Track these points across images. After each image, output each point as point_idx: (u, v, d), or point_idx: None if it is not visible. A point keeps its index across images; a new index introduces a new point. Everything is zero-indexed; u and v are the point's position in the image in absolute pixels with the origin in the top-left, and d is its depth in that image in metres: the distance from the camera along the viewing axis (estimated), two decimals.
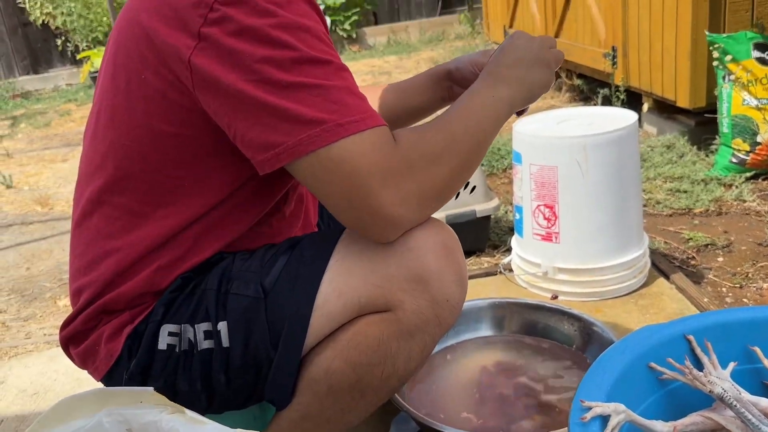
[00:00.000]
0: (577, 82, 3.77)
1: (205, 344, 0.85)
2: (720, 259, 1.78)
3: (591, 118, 1.60)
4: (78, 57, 6.99)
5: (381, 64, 6.18)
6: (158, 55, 0.76)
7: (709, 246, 1.85)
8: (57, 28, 7.18)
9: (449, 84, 1.12)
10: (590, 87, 3.64)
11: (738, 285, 1.64)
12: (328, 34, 0.81)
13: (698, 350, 0.94)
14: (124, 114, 0.81)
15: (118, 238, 0.84)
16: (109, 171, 0.84)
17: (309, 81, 0.73)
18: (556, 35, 3.83)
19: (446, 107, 1.16)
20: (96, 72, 5.95)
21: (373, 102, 1.17)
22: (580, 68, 3.62)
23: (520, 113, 1.01)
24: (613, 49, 3.06)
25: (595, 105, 3.47)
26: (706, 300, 1.51)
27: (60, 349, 0.97)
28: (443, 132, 0.81)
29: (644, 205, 2.16)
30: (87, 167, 0.88)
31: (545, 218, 1.56)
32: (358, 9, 7.18)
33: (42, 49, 7.59)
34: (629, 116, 1.54)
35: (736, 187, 2.19)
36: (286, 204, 0.95)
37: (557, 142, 1.49)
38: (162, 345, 0.85)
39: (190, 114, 0.78)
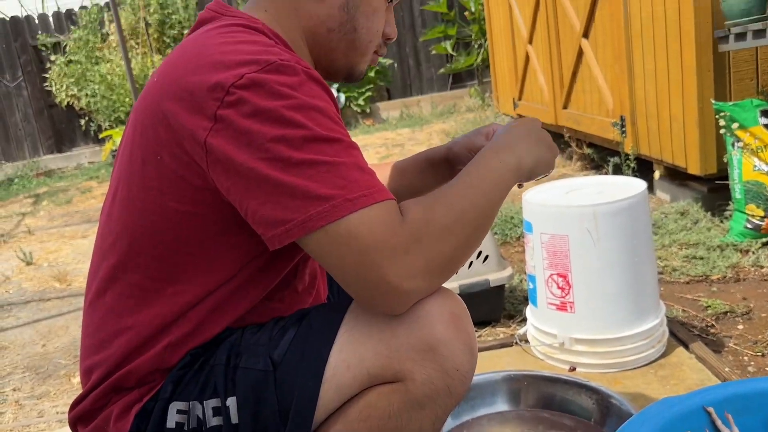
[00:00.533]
0: (588, 150, 3.81)
1: (214, 421, 0.84)
2: (740, 327, 1.75)
3: (600, 187, 1.61)
4: (100, 136, 7.22)
5: (394, 137, 6.31)
6: (175, 136, 0.79)
7: (729, 313, 1.81)
8: (81, 109, 7.46)
9: (448, 166, 1.15)
10: (600, 155, 3.68)
11: (760, 353, 1.60)
12: (339, 113, 0.84)
13: (719, 423, 0.92)
14: (139, 193, 0.84)
15: (130, 317, 0.85)
16: (122, 249, 0.86)
17: (319, 158, 0.75)
18: (565, 106, 3.91)
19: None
20: (117, 151, 6.11)
21: (380, 179, 1.20)
22: (589, 137, 3.67)
23: (520, 185, 1.02)
24: (622, 118, 3.11)
25: (606, 173, 3.49)
26: (727, 369, 1.47)
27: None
28: (450, 204, 0.82)
29: (660, 273, 2.14)
30: (101, 245, 0.90)
31: (559, 287, 1.55)
32: (371, 85, 7.39)
33: (66, 129, 7.86)
34: (638, 185, 1.55)
35: (753, 252, 2.17)
36: (298, 279, 0.96)
37: (567, 211, 1.50)
38: (171, 423, 0.84)
39: (202, 193, 0.80)
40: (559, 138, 4.38)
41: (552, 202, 1.55)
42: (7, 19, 7.64)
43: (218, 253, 0.84)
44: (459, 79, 7.80)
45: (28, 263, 3.72)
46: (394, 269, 0.75)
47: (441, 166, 1.15)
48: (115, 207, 0.88)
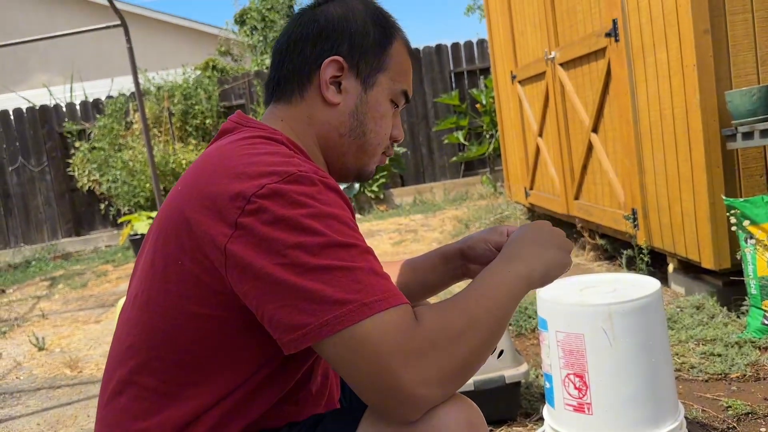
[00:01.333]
0: (600, 241, 3.83)
1: None
2: (762, 429, 1.70)
3: (614, 285, 1.62)
4: (119, 221, 7.34)
5: (407, 223, 6.38)
6: (197, 243, 0.82)
7: (750, 414, 1.77)
8: (101, 193, 7.64)
9: (462, 262, 1.17)
10: (613, 246, 3.69)
11: None
12: (354, 218, 0.87)
13: None
14: (158, 297, 0.86)
15: (145, 420, 0.86)
16: (140, 352, 0.87)
17: (335, 263, 0.78)
18: (576, 197, 3.96)
19: (459, 282, 1.21)
20: (135, 235, 6.20)
21: (391, 278, 1.22)
22: (602, 228, 3.69)
23: None
24: (633, 211, 3.14)
25: (619, 264, 3.49)
26: None
27: None
28: (464, 311, 0.83)
29: (678, 370, 2.10)
30: (118, 348, 0.91)
31: (576, 388, 1.53)
32: (385, 172, 7.55)
33: (86, 212, 8.02)
34: (652, 284, 1.56)
35: None
36: (312, 381, 0.96)
37: (581, 310, 1.50)
38: None
39: (221, 297, 0.82)
40: (572, 228, 4.41)
41: (567, 299, 1.56)
42: (37, 107, 7.97)
43: (234, 355, 0.85)
44: (471, 167, 7.95)
45: (40, 348, 3.72)
46: (409, 375, 0.76)
47: (455, 261, 1.17)
48: (134, 311, 0.90)
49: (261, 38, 8.58)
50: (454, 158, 7.86)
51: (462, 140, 7.77)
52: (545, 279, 0.96)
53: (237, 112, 1.02)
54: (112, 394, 0.90)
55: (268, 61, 8.67)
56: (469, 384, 1.90)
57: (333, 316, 0.76)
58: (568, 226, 4.62)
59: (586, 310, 1.50)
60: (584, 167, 3.79)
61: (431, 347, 0.78)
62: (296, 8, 8.95)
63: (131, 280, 0.96)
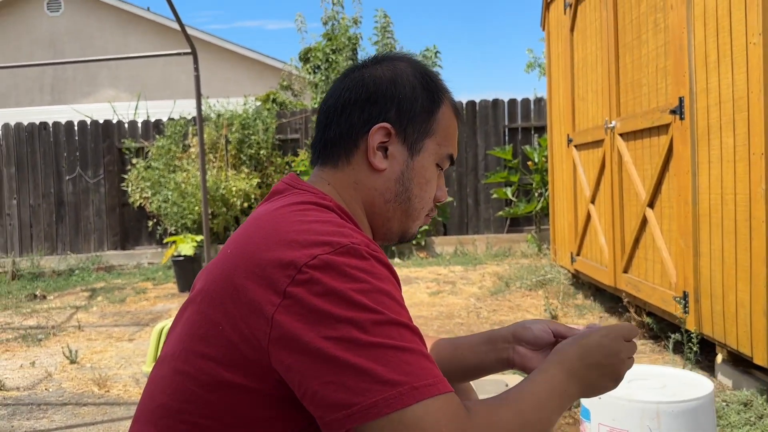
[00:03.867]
0: (647, 319, 3.70)
1: None
2: None
3: (663, 380, 1.54)
4: (165, 240, 7.48)
5: (446, 273, 6.31)
6: (241, 311, 0.80)
7: None
8: (151, 211, 7.80)
9: (511, 346, 1.11)
10: (660, 326, 3.56)
11: None
12: (401, 294, 0.85)
13: None
14: (194, 359, 0.84)
15: None
16: (170, 413, 0.85)
17: (387, 342, 0.75)
18: (625, 270, 3.85)
19: (503, 369, 1.15)
20: (178, 256, 6.28)
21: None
22: (649, 306, 3.57)
23: None
24: (684, 294, 3.03)
25: (664, 346, 3.36)
26: None
27: None
28: (517, 413, 0.80)
29: None
30: (149, 404, 0.89)
31: None
32: None
33: (133, 228, 8.20)
34: (705, 384, 1.48)
35: None
36: None
37: (628, 405, 1.43)
38: None
39: (257, 368, 0.80)
40: (618, 302, 4.29)
41: (614, 392, 1.48)
42: (101, 122, 8.26)
43: (261, 427, 0.82)
44: (517, 224, 7.86)
45: (72, 362, 3.76)
46: None
47: (501, 343, 1.12)
48: (169, 370, 0.88)
49: (323, 78, 8.75)
50: (501, 213, 7.80)
51: (510, 196, 7.71)
52: (583, 398, 0.93)
53: (290, 174, 1.01)
54: None
55: (318, 98, 8.84)
56: None
57: (383, 397, 0.72)
58: (613, 299, 4.49)
59: (633, 405, 1.43)
60: (636, 241, 3.69)
61: None
62: (360, 52, 9.15)
63: (170, 334, 0.94)
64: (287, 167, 7.79)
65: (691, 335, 2.91)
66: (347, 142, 0.97)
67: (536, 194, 7.62)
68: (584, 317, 4.39)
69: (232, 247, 0.87)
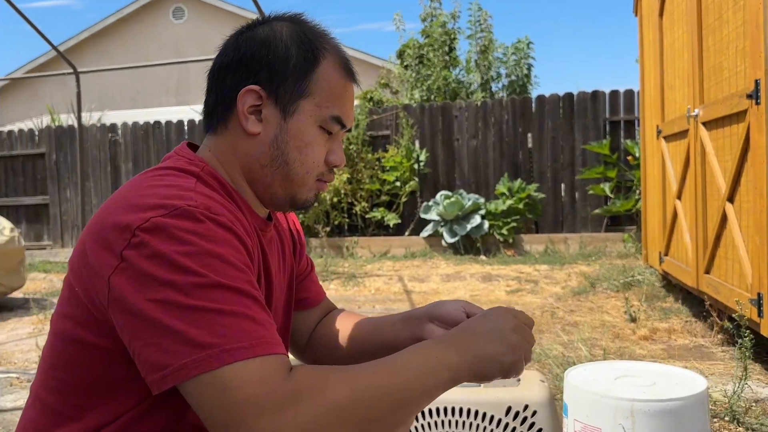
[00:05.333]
0: (728, 324, 3.39)
1: None
2: None
3: (658, 378, 1.42)
4: None
5: (530, 272, 6.11)
6: (89, 272, 0.83)
7: None
8: None
9: (423, 323, 1.07)
10: (740, 332, 3.25)
11: None
12: (244, 258, 0.83)
13: None
14: (60, 321, 0.89)
15: None
16: (47, 371, 0.90)
17: (205, 305, 0.75)
18: (707, 271, 3.56)
19: None
20: None
21: (347, 331, 1.15)
22: (729, 310, 3.27)
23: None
24: (759, 296, 2.76)
25: (746, 354, 3.06)
26: None
27: None
28: (350, 379, 0.77)
29: None
30: (38, 366, 0.95)
31: None
32: (518, 216, 7.32)
33: None
34: (698, 383, 1.35)
35: None
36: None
37: (602, 401, 1.33)
38: None
39: (105, 327, 0.83)
40: (702, 304, 3.97)
41: (591, 386, 1.39)
42: (174, 122, 8.76)
43: (118, 386, 0.85)
44: (617, 222, 7.47)
45: None
46: (260, 430, 0.71)
47: (415, 320, 1.08)
48: (51, 332, 0.93)
49: (414, 73, 8.77)
50: (597, 211, 7.44)
51: (608, 193, 7.33)
52: (478, 376, 0.86)
53: (183, 141, 1.02)
54: (26, 405, 0.94)
55: (417, 95, 8.84)
56: None
57: (192, 359, 0.73)
58: (697, 302, 4.16)
59: (607, 402, 1.33)
60: (717, 239, 3.40)
61: (292, 406, 0.73)
62: (458, 49, 9.07)
63: None
64: (377, 163, 7.87)
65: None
66: (222, 108, 0.96)
67: (637, 191, 7.20)
68: (668, 320, 4.10)
69: (94, 215, 0.90)
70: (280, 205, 1.01)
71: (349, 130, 1.02)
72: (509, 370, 0.88)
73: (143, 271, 0.77)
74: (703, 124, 3.55)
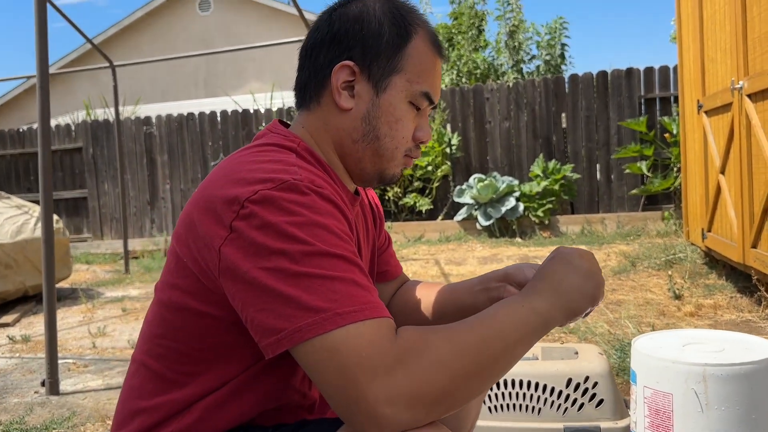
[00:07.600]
0: None
1: None
2: None
3: (724, 344, 1.42)
4: None
5: None
6: (198, 243, 0.87)
7: None
8: None
9: (502, 285, 1.10)
10: None
11: None
12: (346, 228, 0.86)
13: None
14: (168, 291, 0.93)
15: (147, 400, 0.93)
16: (151, 339, 0.94)
17: (315, 272, 0.78)
18: (754, 245, 3.51)
19: None
20: None
21: (426, 298, 1.18)
22: None
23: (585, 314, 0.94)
24: None
25: None
26: None
27: None
28: (452, 336, 0.79)
29: None
30: (141, 335, 0.99)
31: None
32: (554, 198, 7.27)
33: None
34: (766, 347, 1.35)
35: None
36: (301, 382, 0.97)
37: (673, 367, 1.34)
38: None
39: (216, 296, 0.87)
40: (747, 279, 3.92)
41: (659, 353, 1.39)
42: (239, 112, 8.86)
43: (226, 353, 0.89)
44: (655, 201, 7.37)
45: None
46: (374, 390, 0.74)
47: (493, 282, 1.11)
48: (154, 302, 0.97)
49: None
50: (635, 190, 7.35)
51: (645, 171, 7.23)
52: (569, 312, 0.88)
53: (274, 120, 1.05)
54: (130, 374, 0.98)
55: (447, 79, 8.80)
56: (559, 428, 1.77)
57: (306, 323, 0.76)
58: (747, 278, 4.10)
59: (678, 367, 1.34)
60: (765, 212, 3.35)
61: (403, 364, 0.75)
62: (487, 31, 9.00)
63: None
64: None
65: None
66: (316, 84, 0.99)
67: (675, 169, 7.09)
68: (713, 297, 4.05)
69: (198, 189, 0.94)
70: (368, 180, 1.03)
71: (436, 107, 1.03)
72: (595, 295, 0.90)
73: (253, 240, 0.80)
74: (748, 96, 3.48)
